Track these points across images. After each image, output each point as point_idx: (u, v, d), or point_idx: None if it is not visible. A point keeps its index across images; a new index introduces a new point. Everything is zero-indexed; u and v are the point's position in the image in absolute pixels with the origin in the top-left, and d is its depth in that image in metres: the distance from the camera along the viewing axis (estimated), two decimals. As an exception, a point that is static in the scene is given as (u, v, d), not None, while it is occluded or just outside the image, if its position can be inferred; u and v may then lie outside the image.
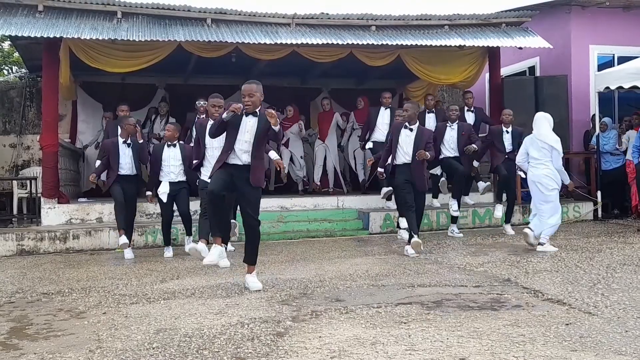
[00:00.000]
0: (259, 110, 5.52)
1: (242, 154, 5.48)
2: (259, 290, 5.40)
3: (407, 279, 5.83)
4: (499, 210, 9.29)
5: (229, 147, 5.48)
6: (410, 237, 7.30)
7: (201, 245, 6.65)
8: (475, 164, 9.29)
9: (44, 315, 4.80)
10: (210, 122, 6.69)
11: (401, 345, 3.70)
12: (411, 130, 7.52)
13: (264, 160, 6.01)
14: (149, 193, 8.04)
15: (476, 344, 3.68)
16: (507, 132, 9.06)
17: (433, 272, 6.16)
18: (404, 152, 7.49)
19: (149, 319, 4.53)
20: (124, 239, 7.79)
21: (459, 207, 9.05)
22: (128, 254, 7.84)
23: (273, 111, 5.52)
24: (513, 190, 9.26)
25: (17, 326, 4.49)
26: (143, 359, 3.60)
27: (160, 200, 7.91)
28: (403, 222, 8.28)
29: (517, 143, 8.88)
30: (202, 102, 9.75)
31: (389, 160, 7.86)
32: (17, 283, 6.26)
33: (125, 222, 7.93)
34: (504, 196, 9.19)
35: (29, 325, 4.52)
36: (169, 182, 7.83)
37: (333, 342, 3.78)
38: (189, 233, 8.11)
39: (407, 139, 7.49)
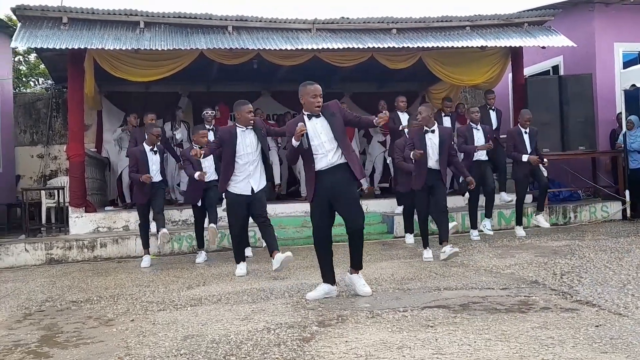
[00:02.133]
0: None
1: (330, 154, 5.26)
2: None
3: (433, 282, 5.79)
4: (542, 220, 9.23)
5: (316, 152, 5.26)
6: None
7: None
8: (525, 157, 8.90)
9: (73, 323, 4.86)
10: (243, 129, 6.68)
11: (428, 349, 3.67)
12: (433, 132, 7.31)
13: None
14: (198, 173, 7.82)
15: (504, 347, 3.64)
16: (526, 132, 8.99)
17: (459, 275, 6.12)
18: (430, 157, 7.27)
19: (176, 326, 4.56)
20: (147, 259, 7.89)
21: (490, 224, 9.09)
22: (145, 262, 7.91)
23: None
24: (542, 179, 9.11)
25: (48, 334, 4.56)
26: (171, 366, 3.63)
27: (194, 205, 8.05)
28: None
29: (535, 142, 8.95)
30: (210, 112, 9.82)
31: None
32: (46, 292, 6.36)
33: (154, 218, 8.00)
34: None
35: (59, 333, 4.58)
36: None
37: (359, 347, 3.77)
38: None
39: (430, 142, 7.29)
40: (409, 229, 8.90)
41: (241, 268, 6.76)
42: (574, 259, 6.76)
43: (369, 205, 10.51)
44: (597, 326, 4.00)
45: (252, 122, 6.69)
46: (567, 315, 4.33)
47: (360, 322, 4.38)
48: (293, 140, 5.20)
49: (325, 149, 5.25)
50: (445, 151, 7.27)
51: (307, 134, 5.22)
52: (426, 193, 7.33)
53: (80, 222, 9.51)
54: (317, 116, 5.34)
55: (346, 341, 3.91)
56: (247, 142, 6.67)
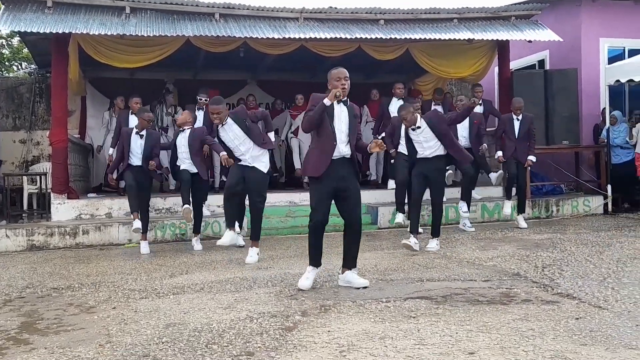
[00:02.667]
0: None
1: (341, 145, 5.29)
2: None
3: (416, 274, 5.82)
4: (508, 207, 9.30)
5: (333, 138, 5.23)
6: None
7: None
8: (499, 153, 9.14)
9: (54, 310, 4.83)
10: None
11: (410, 339, 3.69)
12: (419, 128, 7.17)
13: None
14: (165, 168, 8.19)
15: (485, 338, 3.67)
16: (518, 119, 9.08)
17: (442, 267, 6.15)
18: (422, 151, 7.25)
19: (158, 314, 4.54)
20: (138, 223, 7.84)
21: (468, 208, 9.01)
22: (144, 248, 7.88)
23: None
24: (522, 179, 9.19)
25: (28, 321, 4.52)
26: (153, 354, 3.61)
27: (181, 180, 8.05)
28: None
29: (526, 129, 9.03)
30: (204, 98, 9.78)
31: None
32: (27, 278, 6.30)
33: (140, 210, 7.95)
34: (513, 190, 9.19)
35: (40, 320, 4.55)
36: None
37: (342, 337, 3.78)
38: (197, 231, 8.14)
39: (416, 138, 7.24)
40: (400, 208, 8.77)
41: (225, 236, 6.85)
42: (555, 252, 6.83)
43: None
44: (577, 319, 4.04)
45: (216, 121, 6.81)
46: (547, 307, 4.37)
47: (343, 312, 4.40)
48: (326, 99, 5.16)
49: (341, 138, 5.26)
50: (441, 138, 7.14)
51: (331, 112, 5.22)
52: (417, 179, 7.30)
53: (63, 209, 9.42)
54: (345, 103, 5.32)
55: (329, 331, 3.92)
56: (230, 136, 6.83)
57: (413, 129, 7.24)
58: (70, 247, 8.53)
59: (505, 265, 6.09)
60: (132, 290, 5.50)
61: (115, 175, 8.30)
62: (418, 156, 7.31)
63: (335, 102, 5.23)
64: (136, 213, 7.89)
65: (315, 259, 5.38)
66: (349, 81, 5.30)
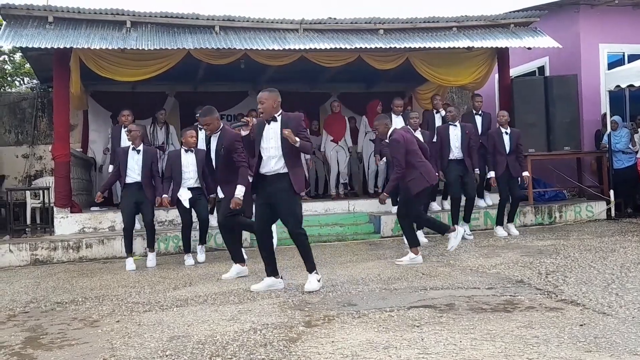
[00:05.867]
0: (277, 116, 5.65)
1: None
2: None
3: (419, 282, 5.81)
4: (501, 230, 9.19)
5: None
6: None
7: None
8: (492, 174, 9.13)
9: (58, 325, 4.83)
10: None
11: (414, 349, 3.68)
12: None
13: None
14: (165, 196, 7.79)
15: (489, 346, 3.66)
16: (507, 133, 9.08)
17: (445, 275, 6.14)
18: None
19: (162, 327, 4.54)
20: (130, 263, 7.70)
21: (464, 217, 9.02)
22: (151, 261, 7.83)
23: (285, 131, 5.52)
24: (516, 191, 9.15)
25: (32, 336, 4.52)
26: (156, 367, 3.61)
27: (180, 207, 7.88)
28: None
29: (515, 143, 9.02)
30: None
31: None
32: (31, 293, 6.31)
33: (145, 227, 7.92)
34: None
35: (44, 334, 4.55)
36: (189, 189, 7.85)
37: (346, 347, 3.78)
38: (202, 242, 8.14)
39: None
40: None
41: (232, 270, 6.73)
42: (559, 258, 6.81)
43: (356, 205, 10.54)
44: (582, 325, 4.03)
45: (208, 131, 6.65)
46: (552, 314, 4.36)
47: (347, 322, 4.39)
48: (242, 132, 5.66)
49: (269, 156, 5.57)
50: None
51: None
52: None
53: (66, 223, 9.43)
54: (274, 120, 5.63)
55: (332, 341, 3.92)
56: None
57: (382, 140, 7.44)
58: (74, 261, 8.54)
59: (509, 273, 6.08)
60: (135, 303, 5.50)
61: (99, 198, 7.94)
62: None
63: (266, 123, 5.63)
64: (130, 254, 7.78)
65: (267, 268, 5.78)
66: (264, 104, 5.67)
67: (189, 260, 7.89)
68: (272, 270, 5.82)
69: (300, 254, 5.72)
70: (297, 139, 5.51)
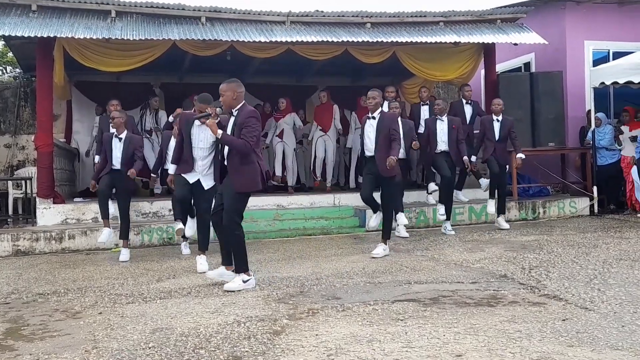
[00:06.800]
0: (235, 111, 5.66)
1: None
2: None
3: (403, 276, 5.83)
4: (492, 206, 9.37)
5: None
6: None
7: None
8: (473, 158, 9.33)
9: (39, 316, 4.78)
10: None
11: (398, 342, 3.69)
12: (374, 118, 7.20)
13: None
14: (153, 175, 8.18)
15: (473, 340, 3.68)
16: (498, 120, 9.20)
17: (430, 269, 6.16)
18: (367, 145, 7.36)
19: (145, 319, 4.51)
20: (107, 232, 7.64)
21: (445, 211, 8.96)
22: (124, 255, 7.62)
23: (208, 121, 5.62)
24: (504, 184, 9.32)
25: (13, 327, 4.48)
26: (139, 359, 3.59)
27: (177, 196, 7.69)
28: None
29: (506, 131, 9.16)
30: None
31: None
32: (12, 284, 6.24)
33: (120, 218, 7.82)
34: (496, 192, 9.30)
35: (25, 326, 4.50)
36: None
37: (330, 340, 3.78)
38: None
39: (370, 129, 7.22)
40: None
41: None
42: (542, 253, 6.86)
43: (341, 199, 10.54)
44: (564, 320, 4.06)
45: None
46: (534, 309, 4.39)
47: (331, 316, 4.39)
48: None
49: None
50: (382, 137, 7.09)
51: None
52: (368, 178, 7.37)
53: (48, 214, 9.34)
54: (232, 115, 5.68)
55: (316, 334, 3.92)
56: (201, 137, 6.56)
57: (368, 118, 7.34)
58: (56, 252, 8.46)
59: (493, 267, 6.11)
60: (118, 295, 5.46)
61: (94, 187, 7.89)
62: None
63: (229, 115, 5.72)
64: (106, 220, 7.70)
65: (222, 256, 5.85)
66: (223, 95, 5.76)
67: (185, 249, 7.90)
68: (227, 261, 5.81)
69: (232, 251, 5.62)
70: (219, 131, 5.45)
